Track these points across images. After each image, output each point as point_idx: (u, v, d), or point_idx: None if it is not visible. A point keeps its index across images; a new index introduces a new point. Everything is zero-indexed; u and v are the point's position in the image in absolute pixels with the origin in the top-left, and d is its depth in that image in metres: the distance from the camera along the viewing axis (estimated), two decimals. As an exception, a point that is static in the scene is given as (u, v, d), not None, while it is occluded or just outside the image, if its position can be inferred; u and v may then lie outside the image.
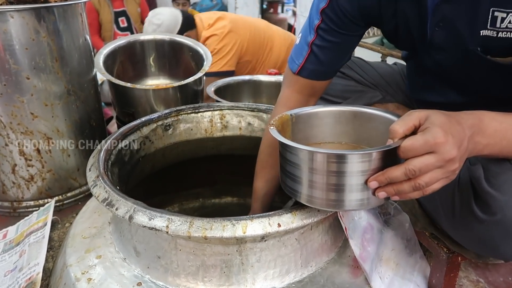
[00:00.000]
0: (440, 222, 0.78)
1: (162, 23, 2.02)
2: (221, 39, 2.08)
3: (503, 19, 0.64)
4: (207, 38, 2.11)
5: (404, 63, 1.10)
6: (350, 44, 0.85)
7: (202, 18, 2.17)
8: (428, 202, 0.80)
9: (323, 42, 0.81)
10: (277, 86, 1.80)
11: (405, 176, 0.54)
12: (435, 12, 0.71)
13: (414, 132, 0.56)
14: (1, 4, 1.05)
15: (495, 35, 0.66)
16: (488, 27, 0.66)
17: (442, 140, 0.52)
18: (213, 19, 2.15)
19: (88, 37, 1.26)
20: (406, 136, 0.56)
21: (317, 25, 0.80)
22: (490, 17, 0.65)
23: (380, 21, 0.81)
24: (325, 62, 0.83)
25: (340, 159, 0.58)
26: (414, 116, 0.56)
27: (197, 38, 2.13)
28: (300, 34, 0.85)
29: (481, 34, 0.67)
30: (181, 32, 2.05)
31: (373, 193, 0.58)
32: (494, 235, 0.65)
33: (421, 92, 0.93)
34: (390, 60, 1.68)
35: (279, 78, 1.83)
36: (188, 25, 2.12)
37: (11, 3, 1.07)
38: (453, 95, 0.84)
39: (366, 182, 0.58)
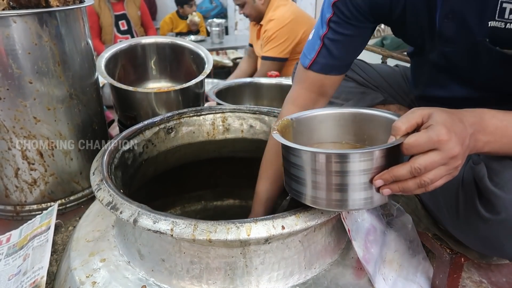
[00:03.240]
0: (443, 223, 0.78)
1: None
2: (282, 26, 2.18)
3: (511, 10, 0.65)
4: (270, 21, 2.21)
5: (406, 64, 1.11)
6: (362, 37, 0.86)
7: None
8: (432, 202, 0.80)
9: (335, 35, 0.82)
10: (277, 88, 1.80)
11: (411, 174, 0.55)
12: (444, 4, 0.72)
13: (416, 130, 0.57)
14: (3, 9, 1.06)
15: (503, 26, 0.66)
16: (496, 18, 0.67)
17: (446, 138, 0.53)
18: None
19: (90, 41, 1.27)
20: (408, 134, 0.56)
21: (329, 18, 0.81)
22: (498, 8, 0.66)
23: (390, 17, 0.82)
24: (337, 56, 0.84)
25: (343, 158, 0.58)
26: (417, 114, 0.57)
27: (265, 5, 2.25)
28: (313, 30, 0.86)
29: (489, 25, 0.68)
30: None
31: (377, 190, 0.59)
32: (498, 234, 0.66)
33: (426, 88, 0.93)
34: (390, 62, 1.68)
35: (280, 80, 1.83)
36: None
37: (14, 8, 1.07)
38: (459, 90, 0.84)
39: (370, 181, 0.58)
